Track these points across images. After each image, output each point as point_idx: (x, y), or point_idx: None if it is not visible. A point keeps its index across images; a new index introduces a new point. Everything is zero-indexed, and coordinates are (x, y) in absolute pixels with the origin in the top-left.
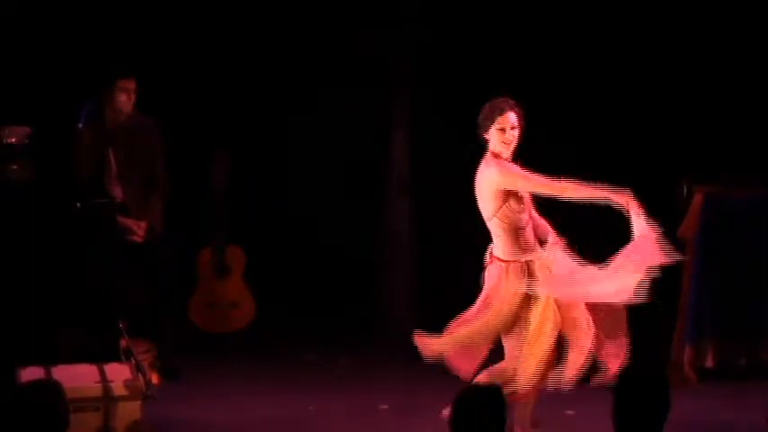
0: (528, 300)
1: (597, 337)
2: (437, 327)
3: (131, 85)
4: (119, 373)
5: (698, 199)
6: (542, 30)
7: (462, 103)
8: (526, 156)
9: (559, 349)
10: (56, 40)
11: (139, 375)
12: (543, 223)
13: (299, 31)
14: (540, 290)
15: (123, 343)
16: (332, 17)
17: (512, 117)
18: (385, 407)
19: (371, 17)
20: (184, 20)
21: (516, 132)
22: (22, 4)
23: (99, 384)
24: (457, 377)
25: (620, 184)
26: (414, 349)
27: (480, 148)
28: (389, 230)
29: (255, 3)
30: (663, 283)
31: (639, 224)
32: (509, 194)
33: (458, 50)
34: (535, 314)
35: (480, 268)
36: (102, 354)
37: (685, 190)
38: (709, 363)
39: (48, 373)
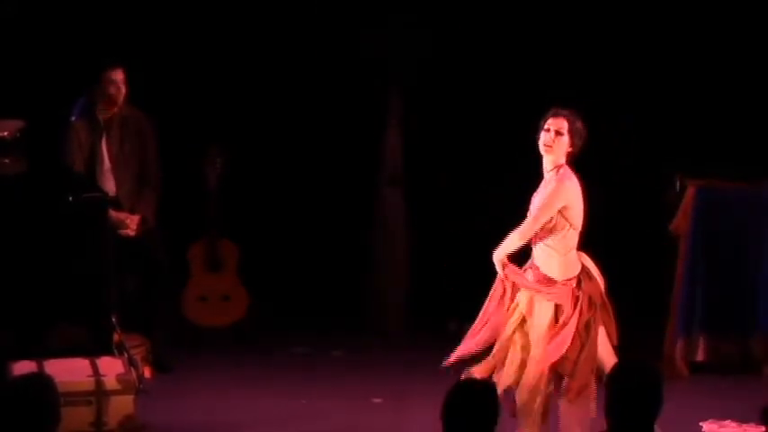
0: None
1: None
2: (429, 318)
3: (119, 75)
4: (111, 367)
5: (690, 193)
6: (536, 30)
7: (456, 101)
8: (520, 157)
9: None
10: (51, 33)
11: (132, 369)
12: None
13: (293, 28)
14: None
15: (116, 337)
16: (325, 15)
17: None
18: (378, 400)
19: (368, 16)
20: (179, 15)
21: None
22: (21, 3)
23: (91, 378)
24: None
25: (612, 180)
26: (406, 341)
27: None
28: (382, 223)
29: None
30: (655, 276)
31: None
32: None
33: (453, 50)
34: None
35: (473, 260)
36: (94, 348)
37: (678, 184)
38: (701, 357)
39: (40, 366)
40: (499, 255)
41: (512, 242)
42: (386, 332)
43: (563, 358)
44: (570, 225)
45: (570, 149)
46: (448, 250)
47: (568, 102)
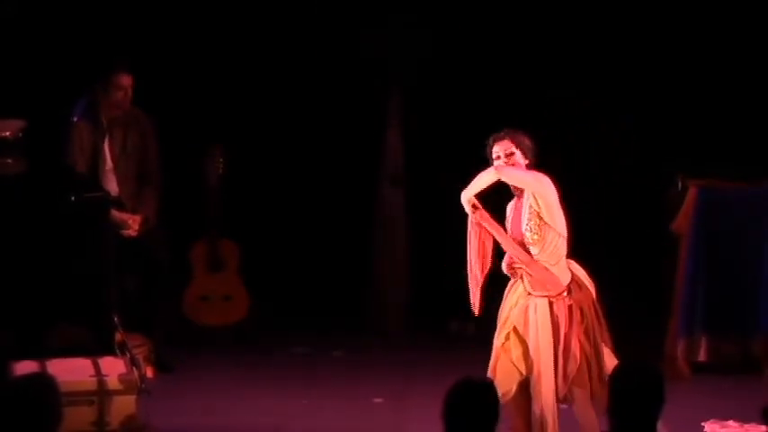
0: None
1: None
2: (429, 318)
3: (128, 81)
4: (113, 366)
5: (692, 193)
6: (536, 30)
7: (456, 101)
8: None
9: None
10: (51, 33)
11: (134, 369)
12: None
13: (293, 28)
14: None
15: (118, 337)
16: (325, 15)
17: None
18: (379, 400)
19: (368, 16)
20: (180, 16)
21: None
22: (22, 3)
23: (94, 378)
24: (450, 369)
25: (612, 180)
26: (406, 341)
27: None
28: (382, 223)
29: None
30: (656, 276)
31: None
32: None
33: (454, 51)
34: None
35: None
36: (95, 347)
37: (680, 184)
38: (702, 357)
39: (42, 366)
40: (468, 194)
41: (483, 179)
42: (386, 332)
43: (577, 374)
44: (559, 234)
45: (527, 161)
46: (448, 250)
47: (568, 102)
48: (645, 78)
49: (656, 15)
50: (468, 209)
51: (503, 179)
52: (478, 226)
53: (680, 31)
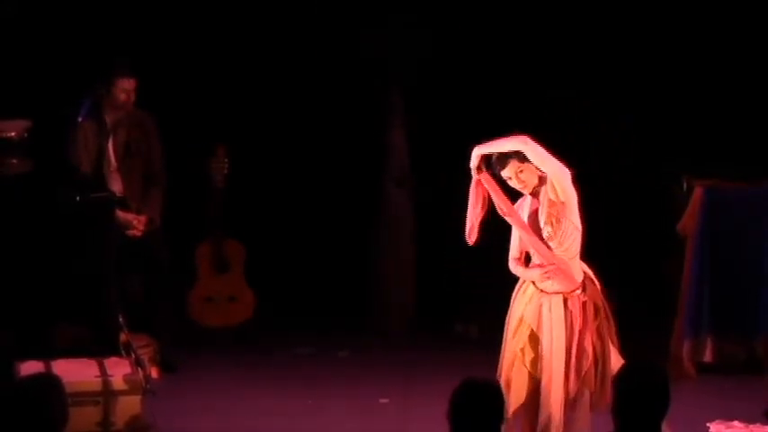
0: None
1: None
2: (431, 319)
3: (131, 84)
4: (118, 367)
5: (698, 193)
6: (536, 30)
7: (456, 101)
8: None
9: None
10: (55, 33)
11: (139, 370)
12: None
13: (294, 28)
14: None
15: (123, 337)
16: (325, 15)
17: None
18: (385, 400)
19: (368, 16)
20: (183, 15)
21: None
22: (22, 3)
23: (99, 379)
24: (453, 370)
25: (612, 180)
26: (408, 341)
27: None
28: (387, 224)
29: None
30: (658, 277)
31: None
32: None
33: (454, 51)
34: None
35: (477, 262)
36: (96, 347)
37: (685, 185)
38: (708, 357)
39: (47, 367)
40: (480, 150)
41: (504, 144)
42: (388, 333)
43: (587, 373)
44: (576, 227)
45: (538, 171)
46: (453, 252)
47: (568, 102)
48: (645, 78)
49: (655, 15)
50: (473, 163)
51: (526, 153)
52: (477, 185)
53: (680, 32)
